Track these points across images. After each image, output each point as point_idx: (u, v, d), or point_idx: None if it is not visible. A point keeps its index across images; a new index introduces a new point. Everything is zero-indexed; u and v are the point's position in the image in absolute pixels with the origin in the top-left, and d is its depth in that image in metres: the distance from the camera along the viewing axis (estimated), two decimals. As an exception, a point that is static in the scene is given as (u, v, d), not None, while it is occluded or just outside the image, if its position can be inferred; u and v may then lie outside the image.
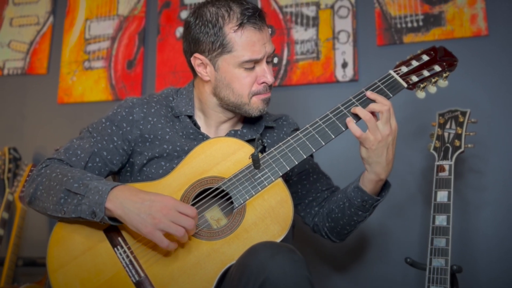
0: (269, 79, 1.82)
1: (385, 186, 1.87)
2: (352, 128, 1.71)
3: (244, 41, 1.77)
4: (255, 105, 1.84)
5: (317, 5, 2.97)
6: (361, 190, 1.81)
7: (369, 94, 1.75)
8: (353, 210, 1.84)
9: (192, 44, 1.85)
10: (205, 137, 1.87)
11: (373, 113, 1.73)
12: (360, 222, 1.90)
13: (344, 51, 2.87)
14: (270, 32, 1.87)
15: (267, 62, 1.84)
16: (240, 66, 1.79)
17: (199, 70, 1.86)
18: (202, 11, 1.82)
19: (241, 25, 1.76)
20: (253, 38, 1.78)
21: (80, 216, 1.61)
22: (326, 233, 1.99)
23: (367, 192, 1.80)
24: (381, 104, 1.72)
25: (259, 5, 3.03)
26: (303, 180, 2.04)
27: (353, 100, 1.77)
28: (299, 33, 2.97)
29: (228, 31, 1.77)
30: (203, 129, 1.91)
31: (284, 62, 2.94)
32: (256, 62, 1.80)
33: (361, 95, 1.78)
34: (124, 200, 1.58)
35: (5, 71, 3.41)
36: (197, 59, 1.84)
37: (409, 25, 2.81)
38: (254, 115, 1.86)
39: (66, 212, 1.63)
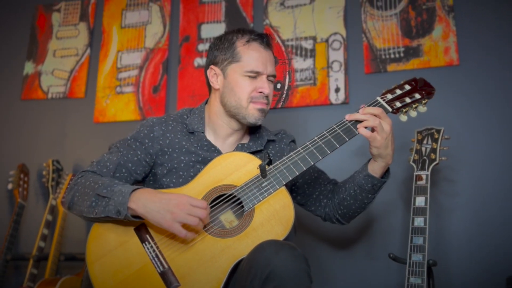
0: (266, 89, 1.86)
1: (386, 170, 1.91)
2: (362, 132, 1.73)
3: (250, 54, 1.87)
4: (251, 112, 1.87)
5: (314, 39, 3.00)
6: (371, 177, 1.84)
7: (356, 115, 1.78)
8: (364, 195, 1.88)
9: (210, 59, 1.96)
10: (216, 149, 1.90)
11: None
12: (369, 204, 1.94)
13: (337, 78, 2.89)
14: (274, 59, 1.96)
15: (269, 81, 1.90)
16: (244, 74, 1.86)
17: (212, 80, 1.94)
18: (221, 36, 1.96)
19: (248, 41, 1.89)
20: (257, 53, 1.88)
21: (108, 215, 1.63)
22: (338, 219, 2.01)
23: (376, 177, 1.84)
24: (371, 117, 1.74)
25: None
26: (307, 180, 2.05)
27: (346, 121, 1.78)
28: (299, 63, 2.99)
29: (238, 45, 1.89)
30: (213, 143, 1.93)
31: (286, 87, 2.97)
32: (258, 74, 1.87)
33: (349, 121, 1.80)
34: (145, 201, 1.61)
35: (49, 95, 3.43)
36: (212, 70, 1.93)
37: (392, 56, 2.83)
38: (251, 122, 1.88)
39: (97, 213, 1.66)
